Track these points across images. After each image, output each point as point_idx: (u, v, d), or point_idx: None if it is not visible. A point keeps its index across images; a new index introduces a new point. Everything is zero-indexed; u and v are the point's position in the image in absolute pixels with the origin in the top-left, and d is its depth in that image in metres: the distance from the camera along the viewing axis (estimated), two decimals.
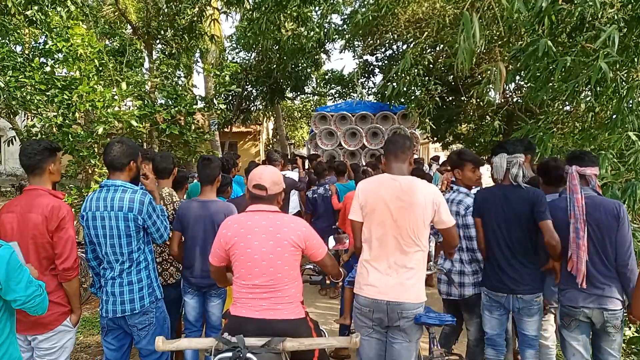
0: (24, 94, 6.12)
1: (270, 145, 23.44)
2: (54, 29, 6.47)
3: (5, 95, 6.07)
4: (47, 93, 6.04)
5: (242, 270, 2.41)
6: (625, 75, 4.44)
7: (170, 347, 2.34)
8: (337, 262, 3.00)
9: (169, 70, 8.37)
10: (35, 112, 6.48)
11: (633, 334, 4.93)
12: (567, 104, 5.90)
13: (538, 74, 4.71)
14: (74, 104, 5.89)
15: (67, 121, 6.02)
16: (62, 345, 2.71)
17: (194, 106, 7.79)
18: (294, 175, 6.79)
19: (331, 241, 3.03)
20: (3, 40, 6.95)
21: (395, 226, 2.72)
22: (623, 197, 4.01)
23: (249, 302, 2.40)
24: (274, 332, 2.29)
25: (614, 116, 4.33)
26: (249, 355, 2.11)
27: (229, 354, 2.13)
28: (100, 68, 6.71)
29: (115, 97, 6.25)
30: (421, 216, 2.70)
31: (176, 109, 7.29)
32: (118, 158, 2.83)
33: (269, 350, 2.18)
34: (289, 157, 8.95)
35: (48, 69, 6.24)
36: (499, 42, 6.20)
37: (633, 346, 4.86)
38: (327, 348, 2.55)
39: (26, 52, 7.80)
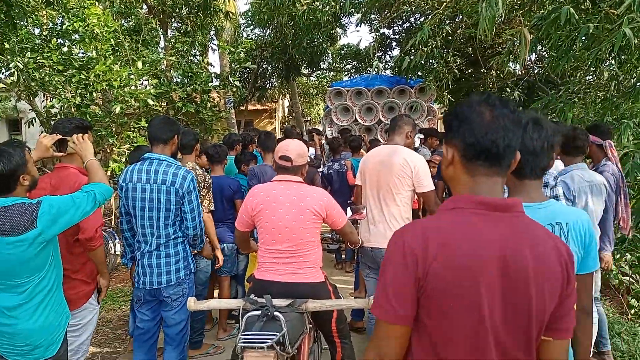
0: (43, 75, 6.20)
1: (287, 123, 23.40)
2: (71, 10, 6.51)
3: (24, 77, 6.16)
4: (65, 73, 6.10)
5: (267, 236, 2.55)
6: None
7: (201, 307, 2.48)
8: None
9: (184, 49, 8.35)
10: (53, 92, 6.57)
11: None
12: (590, 73, 5.74)
13: (560, 43, 4.58)
14: (91, 83, 5.95)
15: (85, 101, 6.09)
16: (86, 322, 2.77)
17: (210, 84, 7.80)
18: (310, 152, 6.80)
19: (348, 211, 3.11)
20: (21, 22, 7.02)
21: (378, 184, 3.21)
22: None
23: (273, 266, 2.55)
24: (296, 294, 2.45)
25: (638, 84, 4.20)
26: (276, 313, 2.25)
27: (258, 312, 2.27)
28: (117, 47, 6.73)
29: (132, 76, 6.28)
30: (397, 175, 3.11)
31: (192, 87, 7.31)
32: (163, 131, 2.91)
33: (293, 309, 2.34)
34: (303, 134, 8.90)
35: (65, 49, 6.28)
36: (521, 12, 6.02)
37: None
38: (345, 309, 2.73)
39: (44, 33, 7.86)
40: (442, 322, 1.15)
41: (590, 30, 4.14)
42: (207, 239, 3.67)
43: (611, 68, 4.90)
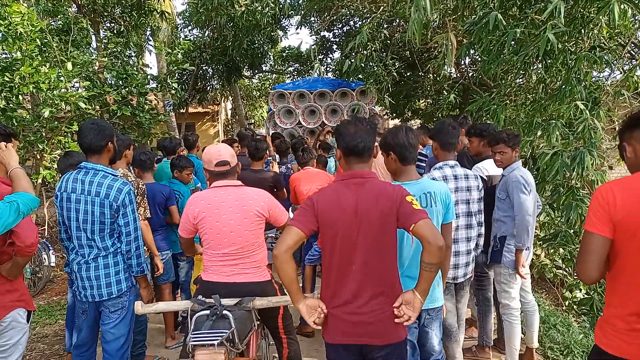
0: None
1: (229, 126, 23.07)
2: None
3: None
4: None
5: (212, 241, 2.62)
6: (573, 46, 4.57)
7: (149, 310, 2.51)
8: None
9: (118, 49, 8.01)
10: None
11: (583, 295, 5.21)
12: (520, 76, 6.05)
13: (490, 47, 4.79)
14: (16, 86, 5.57)
15: (11, 105, 5.70)
16: (14, 342, 2.55)
17: (146, 86, 7.53)
18: None
19: (291, 213, 3.15)
20: None
21: None
22: (572, 165, 4.18)
23: (220, 268, 2.63)
24: (243, 294, 2.53)
25: (563, 87, 4.46)
26: (225, 312, 2.33)
27: (207, 312, 2.33)
28: (44, 48, 6.34)
29: (61, 78, 5.93)
30: None
31: (127, 89, 7.02)
32: (96, 141, 2.73)
33: (241, 308, 2.44)
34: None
35: None
36: (453, 16, 6.26)
37: (583, 307, 5.15)
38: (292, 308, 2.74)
39: None
40: (328, 241, 2.05)
41: (518, 35, 4.37)
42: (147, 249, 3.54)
43: (538, 71, 5.19)
